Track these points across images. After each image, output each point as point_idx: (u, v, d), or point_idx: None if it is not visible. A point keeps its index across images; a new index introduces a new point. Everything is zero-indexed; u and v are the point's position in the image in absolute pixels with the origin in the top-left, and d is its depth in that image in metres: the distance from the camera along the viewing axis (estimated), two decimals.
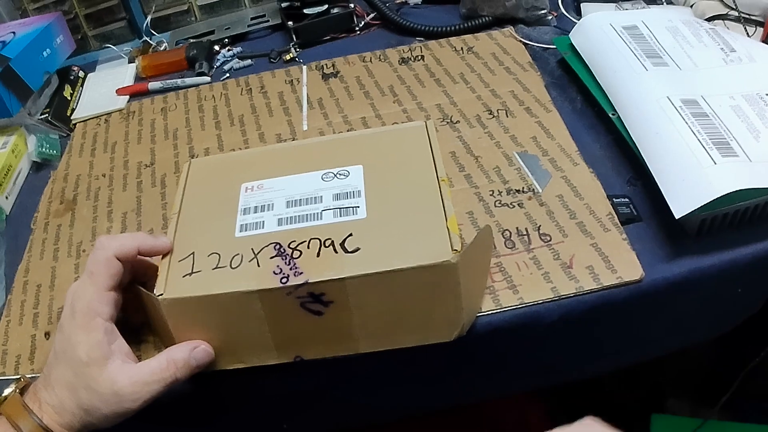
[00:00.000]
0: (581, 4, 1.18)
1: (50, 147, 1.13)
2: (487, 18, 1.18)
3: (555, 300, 0.73)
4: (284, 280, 0.66)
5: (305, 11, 1.25)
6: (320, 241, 0.69)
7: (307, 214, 0.73)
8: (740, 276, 0.77)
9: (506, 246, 0.79)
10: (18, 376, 0.74)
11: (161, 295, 0.68)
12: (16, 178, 1.09)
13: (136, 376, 0.66)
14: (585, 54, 0.98)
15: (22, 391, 0.69)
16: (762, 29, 1.01)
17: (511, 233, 0.80)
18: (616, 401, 1.40)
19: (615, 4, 1.16)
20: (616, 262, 0.75)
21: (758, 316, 0.85)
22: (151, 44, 1.38)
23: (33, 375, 0.75)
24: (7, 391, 0.69)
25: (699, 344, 0.92)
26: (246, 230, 0.73)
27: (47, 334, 0.82)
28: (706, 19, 1.03)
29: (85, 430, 0.67)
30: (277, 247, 0.69)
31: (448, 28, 1.19)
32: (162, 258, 0.73)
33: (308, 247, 0.69)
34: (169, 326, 0.69)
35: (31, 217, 1.01)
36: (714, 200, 0.69)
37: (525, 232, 0.80)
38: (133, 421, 0.67)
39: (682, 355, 0.90)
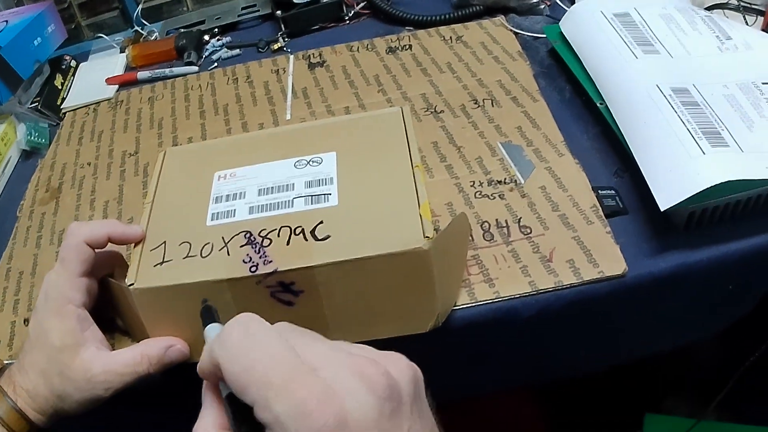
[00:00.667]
0: None
1: (39, 136, 1.13)
2: (478, 7, 1.17)
3: (533, 294, 0.71)
4: (253, 269, 0.64)
5: (295, 0, 1.24)
6: (290, 229, 0.68)
7: (278, 202, 0.71)
8: (731, 273, 0.75)
9: (484, 238, 0.77)
10: None
11: (132, 284, 0.67)
12: (5, 167, 1.09)
13: (109, 365, 0.66)
14: (574, 42, 0.96)
15: None
16: (762, 18, 0.99)
17: (490, 225, 0.78)
18: (612, 400, 1.38)
19: None
20: (598, 256, 0.73)
21: (756, 314, 0.83)
22: (142, 34, 1.37)
23: (10, 361, 0.75)
24: None
25: (696, 343, 0.90)
26: (217, 219, 0.72)
27: (26, 321, 0.81)
28: (705, 8, 1.02)
29: (57, 415, 0.67)
30: (248, 235, 0.68)
31: (438, 17, 1.18)
32: (134, 247, 0.72)
33: (278, 236, 0.67)
34: (141, 317, 0.68)
35: (18, 205, 1.02)
36: (701, 192, 0.67)
37: (504, 224, 0.78)
38: (106, 405, 0.67)
39: (680, 354, 0.89)
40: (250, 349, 0.45)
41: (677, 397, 1.42)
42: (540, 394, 1.34)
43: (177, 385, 0.74)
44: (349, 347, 0.48)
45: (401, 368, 0.46)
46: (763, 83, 0.81)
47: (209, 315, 0.56)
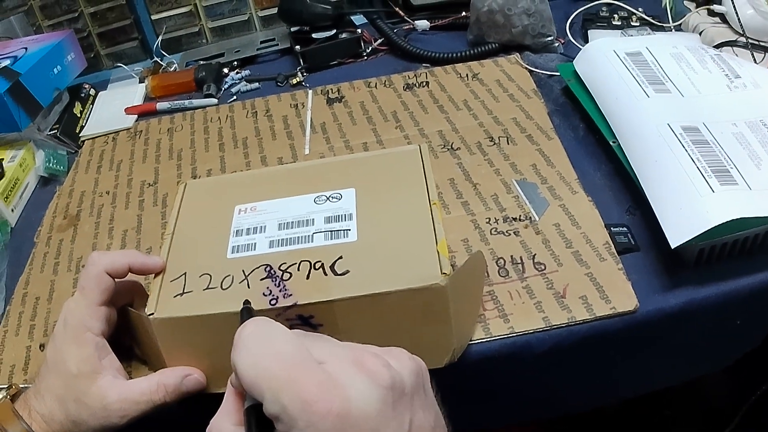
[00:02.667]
0: (588, 31, 1.18)
1: (57, 162, 1.14)
2: (493, 45, 1.18)
3: (546, 330, 0.72)
4: (273, 302, 0.65)
5: (314, 35, 1.26)
6: (310, 263, 0.69)
7: (298, 237, 0.72)
8: (739, 308, 0.76)
9: (500, 274, 0.78)
10: (9, 384, 0.75)
11: (152, 314, 0.67)
12: (23, 192, 1.10)
13: (125, 394, 0.66)
14: (588, 81, 0.97)
15: (14, 398, 0.70)
16: None
17: (505, 261, 0.79)
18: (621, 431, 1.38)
19: (621, 31, 1.16)
20: (610, 292, 0.74)
21: (765, 347, 0.83)
22: (162, 65, 1.39)
23: (25, 385, 0.75)
24: None
25: (703, 377, 0.91)
26: (238, 252, 0.73)
27: (42, 346, 0.82)
28: (714, 46, 1.03)
29: None
30: (268, 269, 0.69)
31: (455, 55, 1.19)
32: (154, 277, 0.73)
33: (298, 270, 0.68)
34: (159, 346, 0.69)
35: (35, 231, 1.02)
36: (711, 229, 0.68)
37: (519, 261, 0.79)
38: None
39: (689, 387, 0.89)
40: (259, 345, 0.47)
41: (686, 428, 1.42)
42: (549, 426, 1.34)
43: (193, 416, 0.75)
44: (353, 345, 0.50)
45: (403, 361, 0.49)
46: None
47: (248, 316, 0.57)
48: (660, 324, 0.73)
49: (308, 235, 0.72)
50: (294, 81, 1.25)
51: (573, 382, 0.81)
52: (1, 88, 1.07)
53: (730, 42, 1.05)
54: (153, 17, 1.42)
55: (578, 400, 0.86)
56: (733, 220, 0.68)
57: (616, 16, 1.20)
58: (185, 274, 0.71)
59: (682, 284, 0.74)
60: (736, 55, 1.00)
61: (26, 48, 1.21)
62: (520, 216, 0.85)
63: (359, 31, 1.27)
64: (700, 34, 1.09)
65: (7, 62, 1.15)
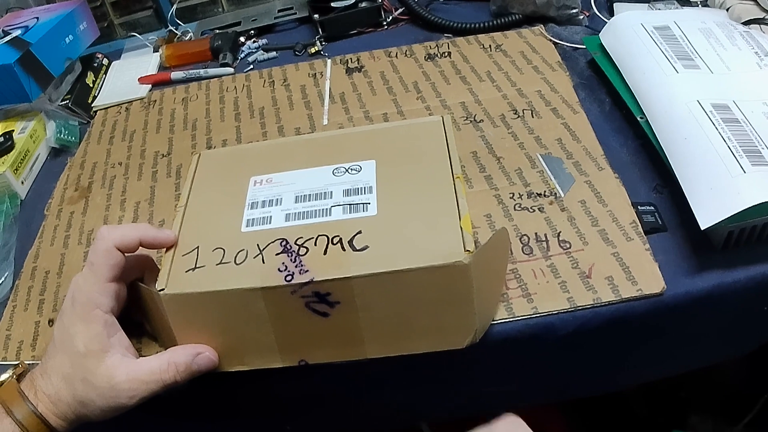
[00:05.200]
0: (614, 4, 1.16)
1: (69, 133, 1.13)
2: (517, 16, 1.16)
3: (570, 311, 0.70)
4: (289, 278, 0.64)
5: (332, 4, 1.24)
6: (328, 238, 0.67)
7: (315, 210, 0.70)
8: (766, 293, 0.74)
9: (523, 252, 0.76)
10: (17, 362, 0.73)
11: (162, 290, 0.66)
12: (34, 164, 1.09)
13: (135, 373, 0.65)
14: (614, 54, 0.95)
15: (20, 377, 0.69)
16: None
17: (529, 239, 0.77)
18: (638, 416, 1.37)
19: (648, 4, 1.13)
20: (637, 273, 0.72)
21: None
22: (177, 34, 1.37)
23: (33, 362, 0.74)
24: (4, 377, 0.69)
25: (724, 362, 0.89)
26: (253, 225, 0.71)
27: (51, 321, 0.81)
28: (742, 23, 1.00)
29: (79, 421, 0.66)
30: (284, 243, 0.67)
31: (477, 25, 1.17)
32: (166, 251, 0.71)
33: (315, 245, 0.67)
34: (170, 323, 0.67)
35: (46, 203, 1.01)
36: (742, 211, 0.66)
37: (544, 238, 0.77)
38: (130, 413, 0.66)
39: (707, 372, 0.87)
40: None
41: (704, 414, 1.41)
42: (567, 408, 1.33)
43: (205, 394, 0.74)
44: None
45: None
46: None
47: None
48: (687, 308, 0.72)
49: (326, 209, 0.70)
50: (312, 50, 1.23)
51: (595, 364, 0.80)
52: (11, 58, 1.06)
53: (757, 20, 1.02)
54: None
55: (600, 382, 0.85)
56: (765, 202, 0.66)
57: None
58: (198, 248, 0.70)
59: (710, 267, 0.73)
60: (764, 32, 0.98)
61: (38, 18, 1.20)
62: (545, 192, 0.83)
63: (379, 0, 1.24)
64: (727, 10, 1.07)
65: (18, 32, 1.14)
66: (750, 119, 0.77)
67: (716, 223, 0.67)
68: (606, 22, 1.00)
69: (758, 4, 1.03)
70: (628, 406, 1.37)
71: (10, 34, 1.14)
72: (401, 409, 0.84)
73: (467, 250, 0.62)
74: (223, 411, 0.79)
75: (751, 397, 1.03)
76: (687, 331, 0.77)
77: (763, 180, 0.69)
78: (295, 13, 1.35)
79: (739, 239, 0.73)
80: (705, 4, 1.12)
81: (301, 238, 0.68)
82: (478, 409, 0.84)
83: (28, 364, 0.72)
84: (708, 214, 0.68)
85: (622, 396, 1.38)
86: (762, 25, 1.01)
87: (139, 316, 0.74)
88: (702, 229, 0.68)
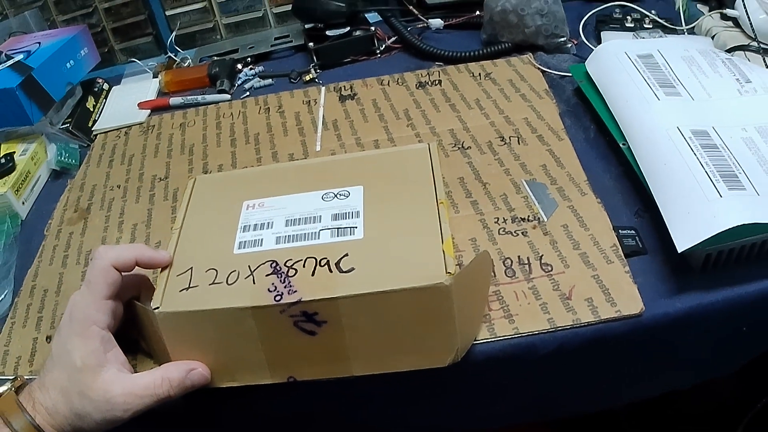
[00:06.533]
0: (602, 33, 1.18)
1: (69, 156, 1.15)
2: (507, 44, 1.18)
3: (551, 331, 0.72)
4: (278, 298, 0.65)
5: (327, 33, 1.26)
6: (316, 260, 0.69)
7: (305, 233, 0.73)
8: (745, 314, 0.75)
9: (506, 274, 0.78)
10: (15, 376, 0.75)
11: (157, 308, 0.68)
12: (34, 185, 1.11)
13: (129, 387, 0.66)
14: (599, 82, 0.97)
15: (18, 390, 0.70)
16: None
17: (512, 261, 0.79)
18: None
19: (633, 33, 1.16)
20: (616, 295, 0.73)
21: None
22: (176, 60, 1.39)
23: (31, 377, 0.75)
24: (2, 389, 0.70)
25: (710, 380, 0.90)
26: (244, 247, 0.73)
27: (48, 338, 0.82)
28: (726, 50, 1.02)
29: None
30: (273, 265, 0.69)
31: (468, 54, 1.19)
32: (161, 271, 0.73)
33: (304, 266, 0.69)
34: (164, 340, 0.69)
35: (46, 224, 1.03)
36: (718, 234, 0.67)
37: (526, 261, 0.79)
38: (125, 427, 0.67)
39: (698, 388, 0.89)
40: None
41: (694, 426, 1.41)
42: (556, 426, 1.33)
43: (198, 409, 0.76)
44: None
45: None
46: None
47: None
48: (665, 328, 0.73)
49: (315, 232, 0.73)
50: (307, 78, 1.25)
51: (577, 384, 0.81)
52: (14, 82, 1.08)
53: (742, 46, 1.04)
54: (167, 13, 1.43)
55: (582, 402, 0.86)
56: (740, 225, 0.67)
57: (629, 17, 1.20)
58: (192, 268, 0.72)
59: (689, 289, 0.74)
60: (749, 59, 1.00)
61: (40, 43, 1.22)
62: (528, 216, 0.84)
63: (373, 28, 1.27)
64: (712, 37, 1.09)
65: (20, 57, 1.16)
66: (728, 145, 0.79)
67: (693, 246, 0.68)
68: (593, 51, 1.02)
69: (743, 32, 1.06)
70: (619, 424, 1.38)
71: (13, 58, 1.16)
72: (390, 426, 0.85)
73: (449, 273, 0.64)
74: (212, 426, 0.80)
75: (741, 408, 1.04)
76: (667, 352, 0.78)
77: (740, 204, 0.70)
78: (291, 41, 1.37)
79: (717, 262, 0.74)
80: (691, 32, 1.14)
81: (291, 260, 0.70)
82: (465, 427, 0.86)
83: (27, 379, 0.73)
84: (685, 237, 0.69)
85: (610, 411, 1.38)
86: (746, 52, 1.03)
87: (134, 334, 0.75)
88: (679, 251, 0.69)
